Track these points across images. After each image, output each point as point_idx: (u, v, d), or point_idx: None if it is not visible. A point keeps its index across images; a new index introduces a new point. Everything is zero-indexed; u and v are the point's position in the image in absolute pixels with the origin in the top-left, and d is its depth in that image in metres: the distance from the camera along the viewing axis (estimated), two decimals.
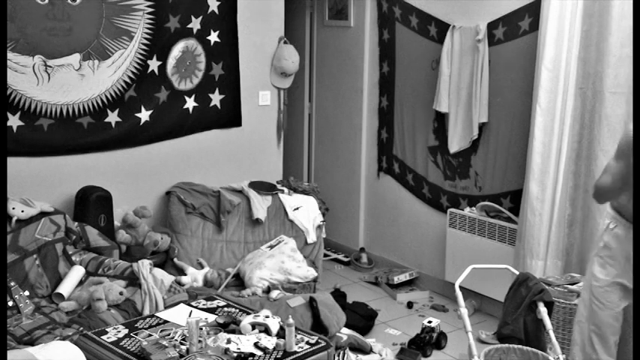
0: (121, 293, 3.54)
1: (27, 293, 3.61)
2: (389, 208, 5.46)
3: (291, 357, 2.91)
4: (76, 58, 4.11)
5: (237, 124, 4.92)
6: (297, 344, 2.99)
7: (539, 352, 3.16)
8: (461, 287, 4.45)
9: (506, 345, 3.24)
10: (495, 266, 3.66)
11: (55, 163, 4.16)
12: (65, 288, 3.66)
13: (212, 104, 4.77)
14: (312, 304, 3.86)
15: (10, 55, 3.87)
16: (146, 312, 3.53)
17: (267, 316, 3.11)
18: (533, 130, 4.12)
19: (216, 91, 4.77)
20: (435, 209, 5.05)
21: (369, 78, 5.49)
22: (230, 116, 4.87)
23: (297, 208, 4.73)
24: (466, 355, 4.15)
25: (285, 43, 5.01)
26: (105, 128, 4.29)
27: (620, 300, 3.02)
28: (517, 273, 3.45)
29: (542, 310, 3.21)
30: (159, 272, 3.74)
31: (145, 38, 4.35)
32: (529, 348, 3.20)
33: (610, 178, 2.93)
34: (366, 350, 4.04)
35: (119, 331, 3.09)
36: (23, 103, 3.98)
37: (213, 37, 4.66)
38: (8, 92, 3.91)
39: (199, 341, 2.89)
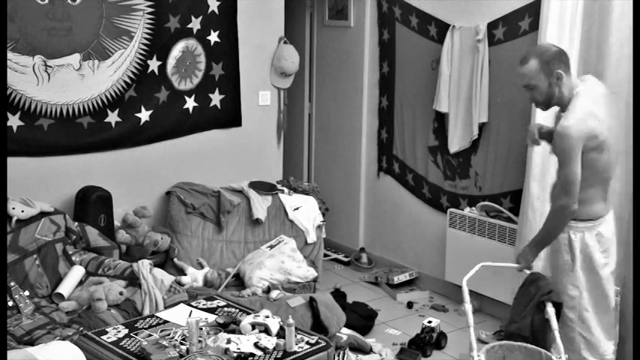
0: (121, 293, 3.54)
1: (27, 293, 3.61)
2: (389, 208, 5.46)
3: (291, 357, 2.91)
4: (76, 58, 4.11)
5: (237, 124, 4.92)
6: (297, 344, 2.99)
7: (543, 350, 3.14)
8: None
9: (511, 342, 3.22)
10: (506, 265, 3.61)
11: (55, 163, 4.16)
12: (65, 288, 3.66)
13: (212, 104, 4.77)
14: (312, 304, 3.86)
15: (10, 55, 3.87)
16: (146, 312, 3.53)
17: (267, 316, 3.11)
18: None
19: (216, 91, 4.77)
20: (435, 209, 5.05)
21: (369, 78, 5.48)
22: (230, 116, 4.87)
23: (297, 208, 4.74)
24: (466, 355, 4.15)
25: (285, 43, 5.01)
26: (105, 128, 4.29)
27: None
28: (528, 272, 3.42)
29: (550, 310, 3.16)
30: (159, 272, 3.74)
31: (145, 38, 4.35)
32: (534, 346, 3.18)
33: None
34: (366, 350, 4.04)
35: (119, 331, 3.09)
36: (23, 103, 3.98)
37: (213, 37, 4.66)
38: (8, 92, 3.91)
39: (199, 341, 2.89)
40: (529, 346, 3.16)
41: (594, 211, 3.14)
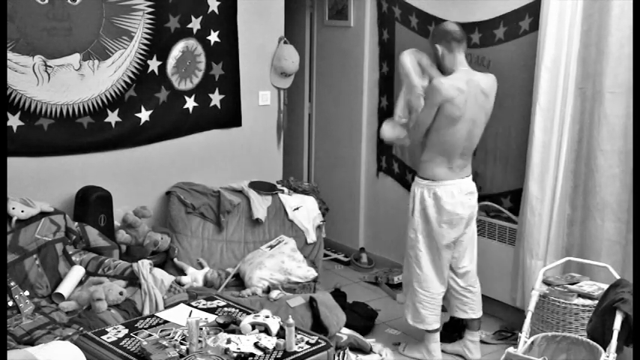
0: (121, 293, 3.54)
1: (27, 293, 3.61)
2: (389, 208, 5.46)
3: (291, 357, 2.91)
4: (76, 58, 4.11)
5: (237, 124, 4.92)
6: (297, 344, 2.99)
7: (602, 349, 3.14)
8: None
9: (576, 336, 3.25)
10: (594, 263, 3.71)
11: (55, 163, 4.16)
12: (65, 288, 3.66)
13: (212, 104, 4.77)
14: (312, 304, 3.86)
15: (10, 55, 3.87)
16: (146, 312, 3.53)
17: (267, 316, 3.11)
18: (533, 130, 4.12)
19: (216, 91, 4.77)
20: None
21: (369, 78, 5.48)
22: (230, 116, 4.87)
23: (297, 208, 4.74)
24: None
25: (285, 43, 5.02)
26: (105, 128, 4.29)
27: None
28: (617, 276, 3.42)
29: (617, 318, 3.18)
30: (159, 272, 3.74)
31: (145, 38, 4.35)
32: (595, 344, 3.18)
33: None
34: (366, 350, 4.04)
35: (119, 331, 3.09)
36: (23, 103, 3.98)
37: (213, 37, 4.67)
38: (8, 92, 3.91)
39: (199, 341, 2.89)
40: (592, 343, 3.18)
41: (434, 173, 3.85)
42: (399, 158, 5.30)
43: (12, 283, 3.58)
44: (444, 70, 3.84)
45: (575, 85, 4.02)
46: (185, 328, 3.03)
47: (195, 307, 3.39)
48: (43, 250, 3.76)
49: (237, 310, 3.35)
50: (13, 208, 3.74)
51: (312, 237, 4.68)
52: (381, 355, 4.01)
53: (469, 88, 3.75)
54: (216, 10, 4.65)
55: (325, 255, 5.42)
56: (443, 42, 3.80)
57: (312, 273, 4.26)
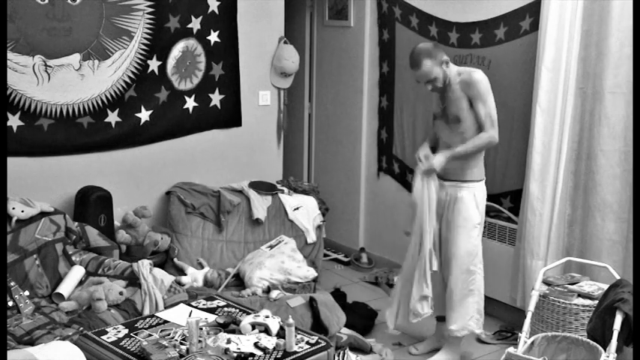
0: (121, 293, 3.54)
1: (27, 293, 3.61)
2: (389, 208, 5.45)
3: (291, 357, 2.91)
4: (76, 58, 4.11)
5: (237, 124, 4.93)
6: (297, 344, 2.99)
7: (598, 346, 3.15)
8: None
9: (577, 336, 3.26)
10: (594, 263, 3.72)
11: (55, 163, 4.16)
12: (65, 288, 3.66)
13: (212, 104, 4.77)
14: (312, 304, 3.86)
15: (10, 55, 3.87)
16: (146, 312, 3.53)
17: (267, 316, 3.11)
18: (533, 130, 4.12)
19: (216, 91, 4.77)
20: None
21: (369, 78, 5.49)
22: (230, 116, 4.88)
23: (297, 208, 4.74)
24: (467, 354, 4.15)
25: (285, 43, 5.02)
26: (105, 128, 4.29)
27: None
28: (617, 276, 3.43)
29: (617, 318, 3.19)
30: (159, 272, 3.74)
31: (145, 38, 4.35)
32: (595, 344, 3.18)
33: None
34: (366, 350, 4.04)
35: (119, 331, 3.09)
36: (23, 103, 3.98)
37: (213, 37, 4.67)
38: (8, 92, 3.91)
39: (199, 341, 2.89)
40: (592, 343, 3.19)
41: (482, 171, 3.88)
42: (399, 158, 5.30)
43: (12, 283, 3.58)
44: (450, 78, 3.78)
45: (575, 85, 4.02)
46: (185, 328, 3.03)
47: (195, 307, 3.39)
48: (43, 250, 3.76)
49: (237, 310, 3.35)
50: (13, 208, 3.74)
51: (312, 237, 4.68)
52: (381, 355, 4.01)
53: None
54: (216, 10, 4.65)
55: (325, 255, 5.42)
56: (442, 52, 3.79)
57: (312, 273, 4.27)
